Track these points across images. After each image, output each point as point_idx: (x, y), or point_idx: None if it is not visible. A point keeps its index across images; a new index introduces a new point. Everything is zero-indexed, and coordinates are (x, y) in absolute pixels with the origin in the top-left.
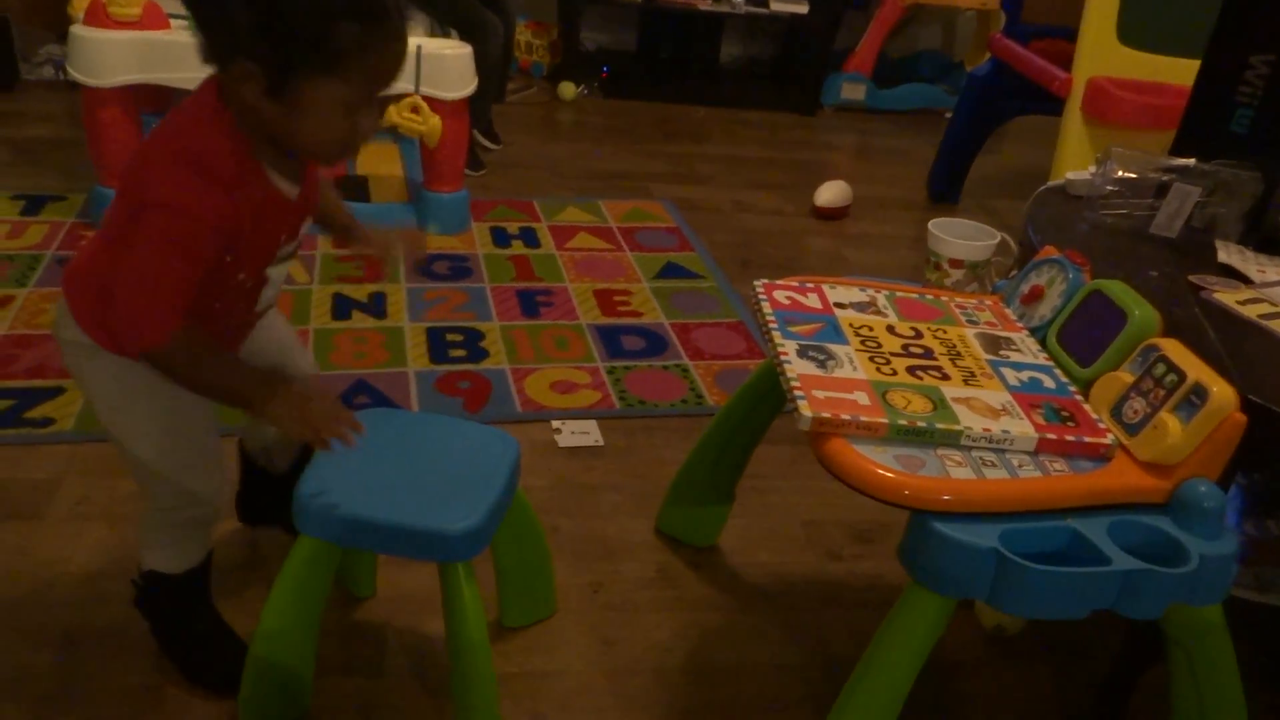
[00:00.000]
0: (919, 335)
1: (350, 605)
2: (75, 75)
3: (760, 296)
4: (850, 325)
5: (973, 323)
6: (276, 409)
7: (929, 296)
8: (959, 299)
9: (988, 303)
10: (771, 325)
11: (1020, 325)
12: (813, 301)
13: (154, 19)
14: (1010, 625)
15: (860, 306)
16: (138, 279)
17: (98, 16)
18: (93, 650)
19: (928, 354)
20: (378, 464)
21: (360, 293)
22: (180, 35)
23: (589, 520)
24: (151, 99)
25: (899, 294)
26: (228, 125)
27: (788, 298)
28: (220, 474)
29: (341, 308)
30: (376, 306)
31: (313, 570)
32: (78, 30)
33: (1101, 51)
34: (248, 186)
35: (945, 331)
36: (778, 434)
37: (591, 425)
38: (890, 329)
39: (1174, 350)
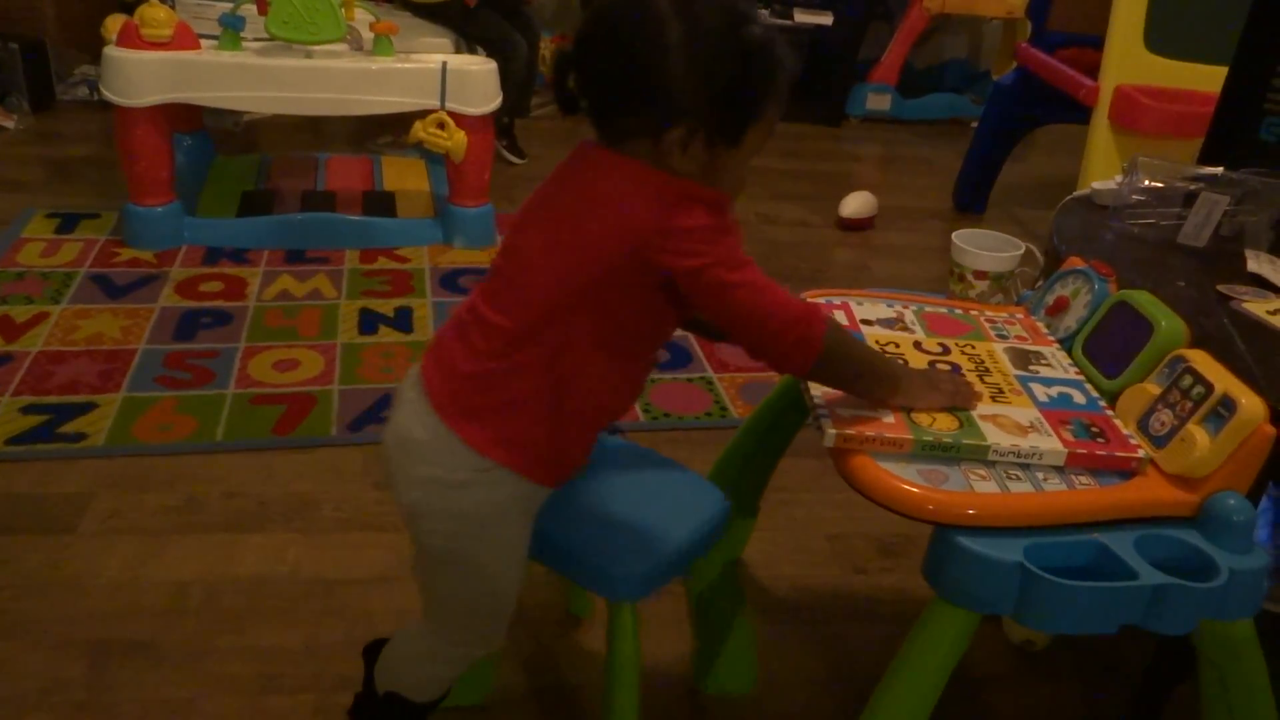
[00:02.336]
0: (946, 351)
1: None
2: (108, 95)
3: None
4: (877, 342)
5: (1002, 337)
6: (914, 383)
7: (958, 311)
8: (989, 313)
9: (1018, 316)
10: None
11: (1051, 339)
12: (839, 318)
13: (185, 40)
14: (1039, 640)
15: (887, 323)
16: (762, 303)
17: (130, 38)
18: (123, 663)
19: (955, 370)
20: (590, 491)
21: (387, 308)
22: (210, 55)
23: None
24: (183, 118)
25: (927, 309)
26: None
27: None
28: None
29: (368, 323)
30: (403, 321)
31: (636, 638)
32: (111, 51)
33: (1129, 59)
34: (724, 204)
35: (974, 347)
36: (802, 447)
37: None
38: (917, 345)
39: (1201, 362)
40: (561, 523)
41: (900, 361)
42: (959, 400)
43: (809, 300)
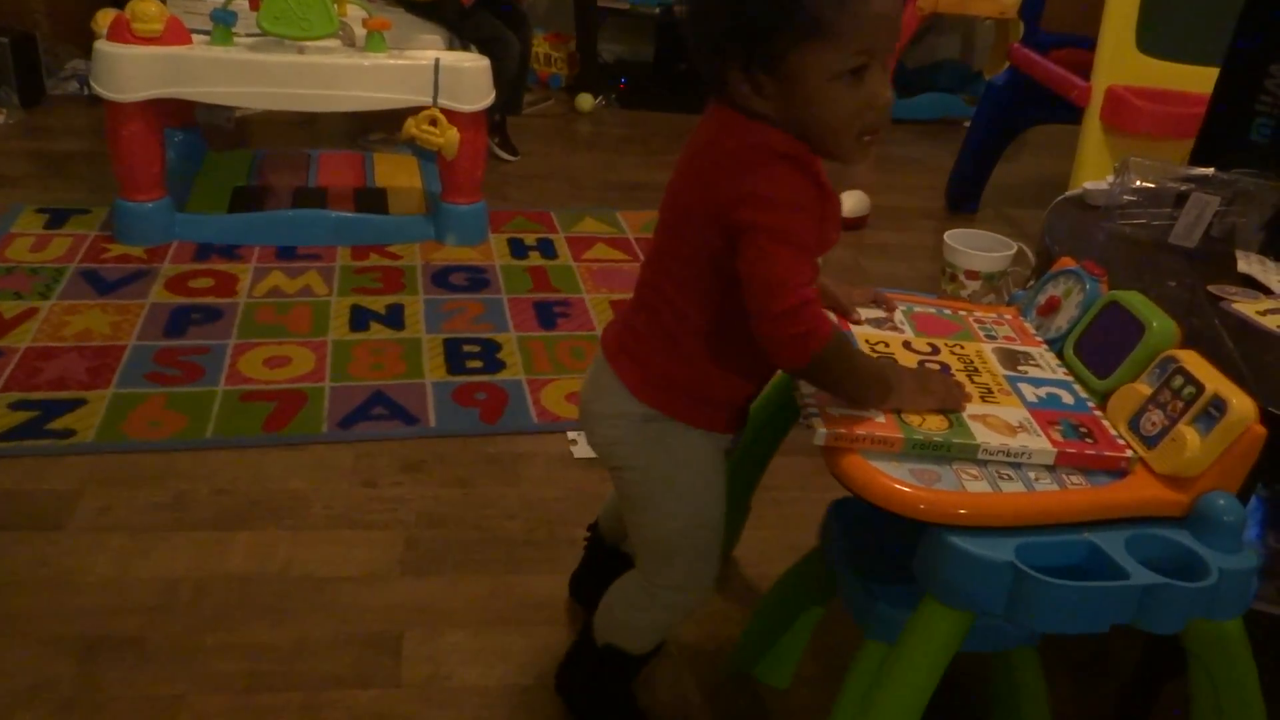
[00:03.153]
0: (936, 351)
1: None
2: (99, 90)
3: None
4: (866, 341)
5: (991, 338)
6: (905, 386)
7: (946, 311)
8: (977, 313)
9: (1007, 316)
10: None
11: (1039, 340)
12: (829, 317)
13: (176, 34)
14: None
15: (877, 322)
16: (779, 286)
17: (121, 32)
18: (111, 660)
19: (944, 370)
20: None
21: (378, 305)
22: (201, 51)
23: None
24: (173, 113)
25: (916, 308)
26: (766, 124)
27: None
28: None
29: (359, 319)
30: (394, 318)
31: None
32: (101, 46)
33: (1120, 60)
34: (818, 172)
35: (962, 347)
36: (794, 445)
37: None
38: (907, 345)
39: (1192, 362)
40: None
41: (890, 361)
42: (950, 402)
43: (823, 327)
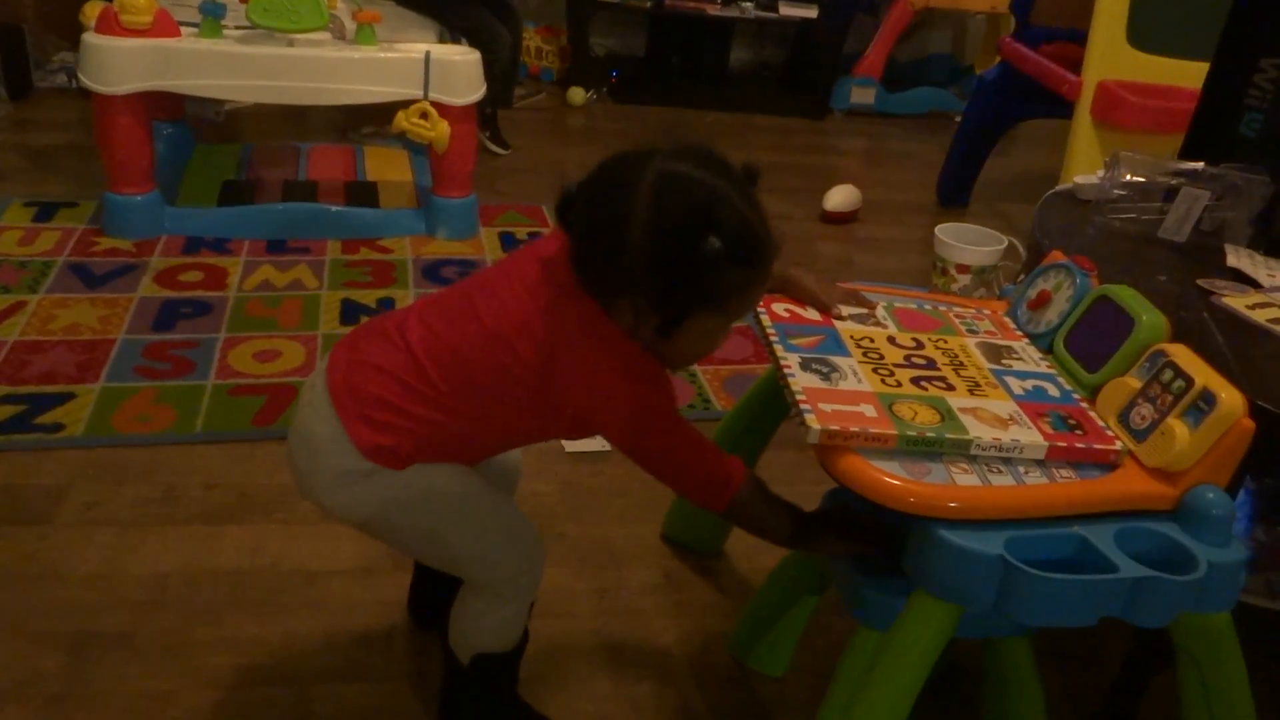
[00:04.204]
0: (920, 346)
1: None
2: (87, 83)
3: (759, 309)
4: (851, 337)
5: (973, 332)
6: (826, 540)
7: (928, 306)
8: (958, 308)
9: (986, 311)
10: (772, 338)
11: (1020, 334)
12: (811, 314)
13: (165, 27)
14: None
15: (860, 318)
16: (687, 453)
17: (109, 24)
18: (101, 655)
19: (930, 364)
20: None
21: (369, 298)
22: (190, 43)
23: (595, 525)
24: (162, 106)
25: (897, 303)
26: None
27: (786, 310)
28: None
29: (350, 313)
30: (385, 312)
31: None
32: (89, 38)
33: (1111, 55)
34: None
35: (946, 341)
36: (784, 439)
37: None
38: (891, 340)
39: (1181, 356)
40: None
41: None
42: (864, 551)
43: (728, 467)
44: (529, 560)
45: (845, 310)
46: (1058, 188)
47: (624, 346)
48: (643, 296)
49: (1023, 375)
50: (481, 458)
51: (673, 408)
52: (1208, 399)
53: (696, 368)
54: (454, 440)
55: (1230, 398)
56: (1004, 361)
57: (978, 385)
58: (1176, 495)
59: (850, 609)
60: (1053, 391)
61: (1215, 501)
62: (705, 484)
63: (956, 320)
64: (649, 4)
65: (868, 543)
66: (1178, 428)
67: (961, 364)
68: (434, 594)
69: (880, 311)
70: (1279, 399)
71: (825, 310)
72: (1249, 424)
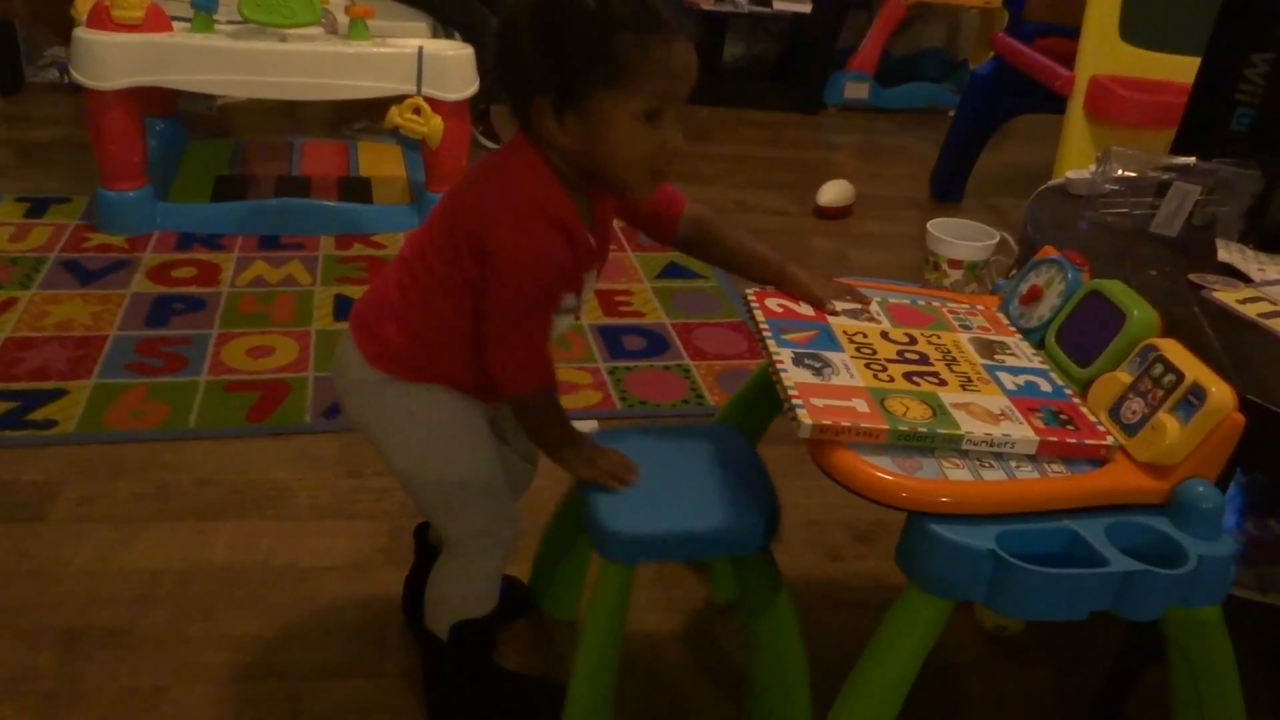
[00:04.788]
0: (913, 341)
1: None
2: (78, 78)
3: (752, 305)
4: (844, 332)
5: (966, 328)
6: (576, 458)
7: (921, 301)
8: (951, 303)
9: (979, 307)
10: (765, 333)
11: (1013, 329)
12: (805, 309)
13: (156, 21)
14: (1011, 626)
15: (853, 313)
16: (513, 329)
17: (100, 19)
18: (94, 651)
19: (923, 360)
20: (651, 481)
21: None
22: (182, 38)
23: None
24: (155, 101)
25: (891, 299)
26: (551, 172)
27: (780, 305)
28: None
29: (344, 308)
30: None
31: (619, 596)
32: (81, 33)
33: (1104, 49)
34: (575, 232)
35: (939, 337)
36: (778, 434)
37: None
38: (884, 335)
39: (1172, 350)
40: (673, 516)
41: (579, 434)
42: (609, 482)
43: (547, 374)
44: (497, 521)
45: (839, 306)
46: (1050, 183)
47: (536, 188)
48: (547, 91)
49: (1015, 371)
50: (468, 364)
51: (552, 280)
52: (1198, 393)
53: (690, 363)
54: (434, 329)
55: (1220, 392)
56: (997, 357)
57: (970, 381)
58: (1167, 489)
59: (590, 544)
60: (1045, 387)
61: (1206, 495)
62: (526, 365)
63: (950, 316)
64: None
65: (620, 477)
66: (1168, 422)
67: (954, 359)
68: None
69: (874, 307)
70: (1269, 393)
71: (819, 305)
72: (1239, 418)
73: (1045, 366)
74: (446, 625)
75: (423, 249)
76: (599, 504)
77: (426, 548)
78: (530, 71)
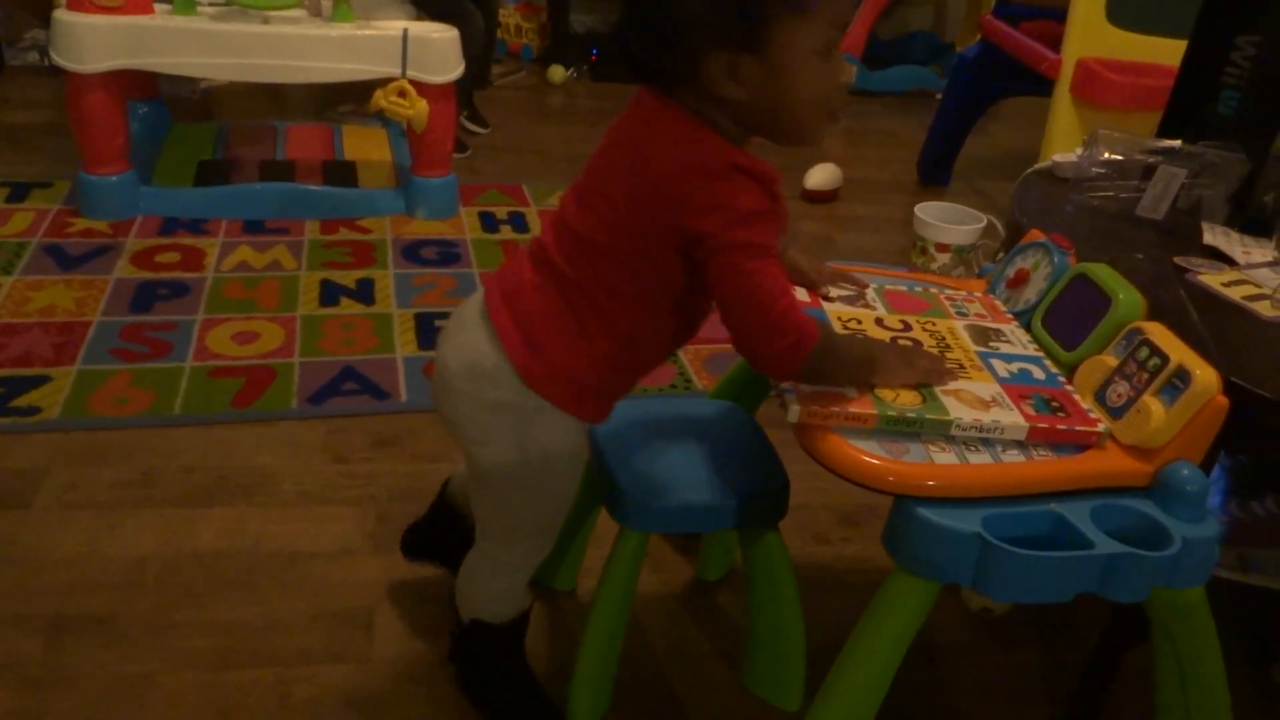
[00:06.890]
0: (908, 328)
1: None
2: (59, 61)
3: None
4: (839, 319)
5: (962, 314)
6: (889, 362)
7: (918, 287)
8: (948, 290)
9: (977, 294)
10: None
11: (1010, 316)
12: (800, 294)
13: (138, 4)
14: (997, 607)
15: (849, 299)
16: (763, 300)
17: (81, 1)
18: (80, 638)
19: (916, 346)
20: (668, 453)
21: (348, 279)
22: (164, 21)
23: None
24: (137, 85)
25: (887, 285)
26: (716, 132)
27: None
28: None
29: (330, 294)
30: (364, 292)
31: (634, 564)
32: (61, 15)
33: (1091, 32)
34: (774, 183)
35: (934, 324)
36: (764, 418)
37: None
38: (879, 321)
39: (1158, 333)
40: (697, 487)
41: (866, 339)
42: (934, 377)
43: (805, 312)
44: (538, 554)
45: (834, 291)
46: (1036, 166)
47: (714, 148)
48: (723, 40)
49: (1009, 358)
50: (645, 357)
51: (771, 232)
52: (1183, 376)
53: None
54: (629, 349)
55: (1205, 375)
56: (991, 344)
57: (962, 367)
58: (1152, 472)
59: (610, 513)
60: (1038, 374)
61: (1190, 478)
62: (784, 334)
63: (946, 303)
64: None
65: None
66: (1153, 405)
67: (948, 346)
68: (434, 540)
69: (869, 293)
70: (1253, 376)
71: (815, 290)
72: (1224, 401)
73: (1040, 354)
74: (468, 616)
75: (587, 249)
76: (621, 475)
77: (444, 503)
78: (699, 25)
